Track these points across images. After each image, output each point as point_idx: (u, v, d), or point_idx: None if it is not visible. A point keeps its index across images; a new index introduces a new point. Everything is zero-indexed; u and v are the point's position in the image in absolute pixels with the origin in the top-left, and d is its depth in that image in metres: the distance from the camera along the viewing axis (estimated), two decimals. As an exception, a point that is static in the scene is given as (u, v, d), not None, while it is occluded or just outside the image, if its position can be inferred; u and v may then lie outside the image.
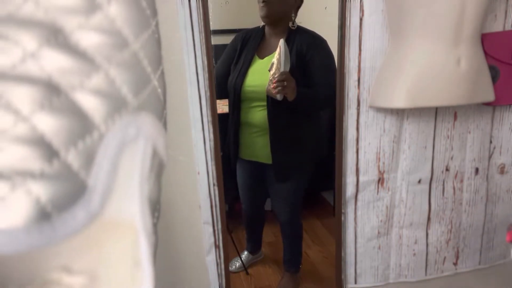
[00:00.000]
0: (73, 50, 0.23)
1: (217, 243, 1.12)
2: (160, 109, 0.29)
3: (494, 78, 1.07)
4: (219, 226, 1.10)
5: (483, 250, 1.28)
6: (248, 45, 1.48)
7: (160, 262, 1.11)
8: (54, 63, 0.22)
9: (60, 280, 0.29)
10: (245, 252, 1.81)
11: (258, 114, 1.46)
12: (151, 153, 0.26)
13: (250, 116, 1.48)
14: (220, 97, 1.46)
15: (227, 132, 1.55)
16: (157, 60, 0.28)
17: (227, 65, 1.50)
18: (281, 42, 1.32)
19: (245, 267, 1.74)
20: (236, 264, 1.75)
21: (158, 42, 0.29)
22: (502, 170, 1.21)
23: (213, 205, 1.08)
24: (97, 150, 0.23)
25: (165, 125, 0.30)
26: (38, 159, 0.21)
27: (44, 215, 0.21)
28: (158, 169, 0.29)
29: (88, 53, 0.23)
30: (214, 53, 1.02)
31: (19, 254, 0.28)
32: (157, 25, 0.28)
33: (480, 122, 1.16)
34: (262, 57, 1.45)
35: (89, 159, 0.23)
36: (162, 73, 0.29)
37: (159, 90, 0.29)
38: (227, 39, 1.56)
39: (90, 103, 0.23)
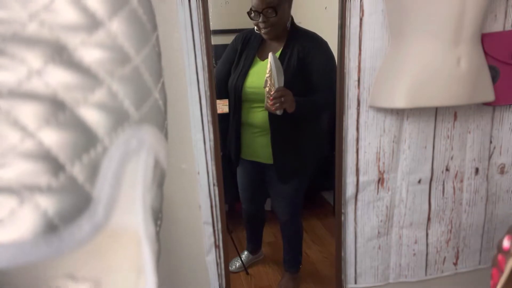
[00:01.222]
0: (77, 66, 0.23)
1: (217, 243, 1.12)
2: (161, 121, 0.29)
3: (494, 78, 1.07)
4: (219, 226, 1.10)
5: (483, 250, 1.28)
6: (249, 46, 1.48)
7: (160, 262, 1.11)
8: (58, 79, 0.23)
9: (65, 287, 0.30)
10: (245, 252, 1.81)
11: (259, 115, 1.46)
12: (153, 163, 0.27)
13: (251, 116, 1.48)
14: (220, 97, 1.46)
15: (228, 132, 1.55)
16: (158, 73, 0.29)
17: (227, 66, 1.50)
18: (270, 56, 1.31)
19: (245, 267, 1.74)
20: (236, 264, 1.75)
21: (158, 56, 0.29)
22: (502, 170, 1.21)
23: (213, 205, 1.08)
24: (101, 162, 0.24)
25: (166, 135, 0.31)
26: (45, 174, 0.21)
27: (51, 227, 0.21)
28: (160, 179, 0.30)
29: (92, 68, 0.24)
30: (214, 53, 1.02)
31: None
32: (157, 39, 0.29)
33: (480, 122, 1.16)
34: (262, 59, 1.45)
35: (93, 171, 0.23)
36: (163, 85, 0.30)
37: (160, 102, 0.29)
38: (227, 39, 1.56)
39: (94, 117, 0.24)
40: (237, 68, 1.47)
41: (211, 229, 1.10)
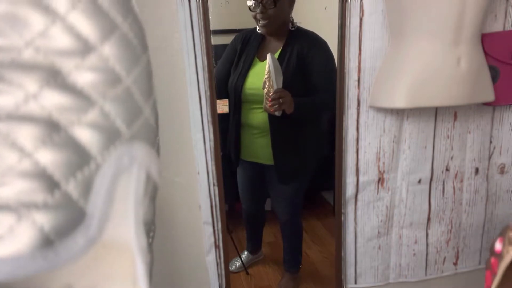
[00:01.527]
0: (71, 89, 0.25)
1: (217, 243, 1.12)
2: (152, 137, 0.31)
3: (494, 78, 1.07)
4: (219, 226, 1.10)
5: (483, 250, 1.28)
6: (248, 46, 1.47)
7: (160, 262, 1.11)
8: (53, 102, 0.24)
9: None
10: (245, 252, 1.81)
11: (258, 116, 1.46)
12: (145, 179, 0.28)
13: (250, 117, 1.48)
14: (220, 97, 1.46)
15: (228, 133, 1.55)
16: (149, 92, 0.30)
17: (227, 66, 1.50)
18: (269, 57, 1.31)
19: (245, 267, 1.74)
20: (236, 264, 1.75)
21: (149, 75, 0.30)
22: (502, 170, 1.21)
23: (213, 205, 1.08)
24: (94, 179, 0.25)
25: (158, 150, 0.32)
26: (41, 191, 0.22)
27: (47, 242, 0.22)
28: (152, 193, 0.31)
29: (85, 90, 0.25)
30: (214, 53, 1.02)
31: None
32: (148, 59, 0.30)
33: (480, 122, 1.16)
34: (262, 60, 1.44)
35: (87, 188, 0.25)
36: (154, 103, 0.31)
37: (151, 119, 0.30)
38: (227, 39, 1.56)
39: (87, 137, 0.25)
40: (237, 68, 1.47)
41: (211, 229, 1.10)
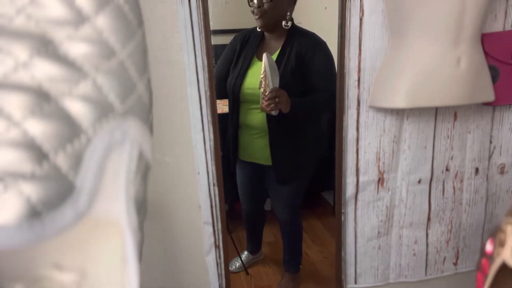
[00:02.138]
0: (62, 60, 0.24)
1: (217, 243, 1.12)
2: (145, 114, 0.30)
3: (494, 78, 1.07)
4: (219, 226, 1.10)
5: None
6: (247, 46, 1.47)
7: (160, 262, 1.11)
8: (44, 72, 0.23)
9: (51, 276, 0.31)
10: (245, 252, 1.81)
11: (257, 116, 1.46)
12: (137, 156, 0.28)
13: (249, 117, 1.48)
14: (220, 97, 1.46)
15: (227, 133, 1.55)
16: (143, 68, 0.30)
17: (226, 66, 1.50)
18: (264, 57, 1.31)
19: (245, 267, 1.74)
20: (236, 264, 1.75)
21: (144, 51, 0.30)
22: (502, 170, 1.21)
23: (213, 205, 1.08)
24: (84, 153, 0.25)
25: (151, 129, 0.31)
26: (29, 162, 0.22)
27: (34, 213, 0.22)
28: (144, 171, 0.30)
29: (77, 62, 0.25)
30: (214, 53, 1.02)
31: (11, 250, 0.30)
32: (143, 34, 0.30)
33: (480, 122, 1.16)
34: (261, 59, 1.44)
35: (77, 161, 0.24)
36: (149, 81, 0.31)
37: (145, 96, 0.30)
38: (227, 39, 1.56)
39: (78, 109, 0.24)
40: (236, 68, 1.47)
41: (211, 229, 1.10)
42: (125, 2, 0.27)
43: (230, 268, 1.26)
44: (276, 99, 1.30)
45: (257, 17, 1.38)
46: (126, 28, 0.27)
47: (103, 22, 0.26)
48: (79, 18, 0.25)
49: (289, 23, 1.38)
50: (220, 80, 1.48)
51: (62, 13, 0.24)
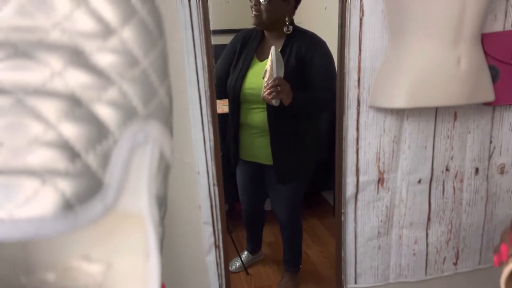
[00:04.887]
0: (92, 69, 0.27)
1: (217, 243, 1.12)
2: (166, 117, 0.33)
3: (494, 78, 1.07)
4: (219, 226, 1.10)
5: (483, 250, 1.28)
6: (248, 46, 1.48)
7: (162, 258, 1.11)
8: (76, 80, 0.26)
9: (80, 267, 0.35)
10: (245, 252, 1.81)
11: (257, 116, 1.46)
12: (158, 156, 0.31)
13: (249, 117, 1.48)
14: (220, 97, 1.46)
15: (227, 133, 1.55)
16: (164, 75, 0.33)
17: (226, 66, 1.50)
18: (272, 49, 1.32)
19: (245, 267, 1.74)
20: (236, 264, 1.75)
21: (165, 59, 0.33)
22: (502, 170, 1.21)
23: (213, 205, 1.08)
24: (112, 152, 0.27)
25: (171, 131, 0.34)
26: (63, 160, 0.25)
27: (68, 206, 0.25)
28: (165, 170, 0.33)
29: (105, 71, 0.28)
30: (214, 53, 1.02)
31: (45, 241, 0.35)
32: (164, 43, 0.33)
33: (480, 122, 1.16)
34: (261, 60, 1.45)
35: (105, 160, 0.27)
36: (169, 86, 0.34)
37: (165, 100, 0.33)
38: (227, 39, 1.56)
39: (106, 113, 0.27)
40: (236, 68, 1.47)
41: (211, 229, 1.10)
42: (148, 14, 0.30)
43: (230, 268, 1.26)
44: (278, 87, 1.29)
45: (252, 14, 1.38)
46: (149, 38, 0.30)
47: (128, 34, 0.29)
48: (107, 31, 0.28)
49: (290, 28, 1.38)
50: (220, 80, 1.48)
51: (92, 27, 0.27)
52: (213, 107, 1.01)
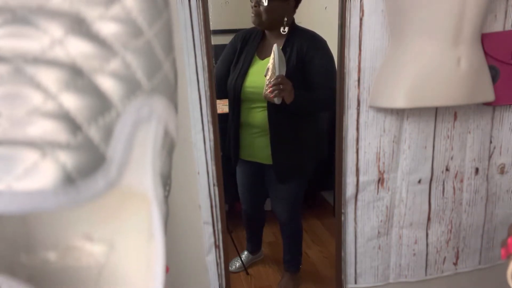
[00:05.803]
0: (94, 38, 0.26)
1: (217, 243, 1.12)
2: (171, 93, 0.32)
3: (494, 78, 1.07)
4: (219, 226, 1.10)
5: (483, 250, 1.28)
6: (248, 45, 1.48)
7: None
8: (78, 49, 0.25)
9: (82, 247, 0.34)
10: (245, 252, 1.81)
11: (258, 115, 1.45)
12: (163, 132, 0.30)
13: (250, 116, 1.48)
14: (220, 97, 1.46)
15: (227, 132, 1.55)
16: (169, 48, 0.31)
17: (226, 65, 1.50)
18: (275, 47, 1.33)
19: (245, 267, 1.74)
20: (236, 264, 1.75)
21: (170, 32, 0.32)
22: (502, 170, 1.21)
23: (213, 205, 1.08)
24: (115, 126, 0.26)
25: (176, 107, 0.33)
26: (64, 132, 0.24)
27: (69, 180, 0.24)
28: (170, 147, 0.32)
29: (107, 40, 0.26)
30: (214, 53, 1.02)
31: (48, 219, 0.34)
32: (169, 15, 0.31)
33: (480, 122, 1.16)
34: (262, 58, 1.45)
35: (108, 134, 0.26)
36: (174, 60, 0.32)
37: (171, 75, 0.32)
38: (227, 39, 1.56)
39: (109, 85, 0.26)
40: (236, 67, 1.47)
41: (211, 229, 1.10)
42: None
43: (230, 268, 1.26)
44: (281, 85, 1.30)
45: (253, 15, 1.39)
46: (153, 8, 0.29)
47: (131, 2, 0.27)
48: None
49: (286, 29, 1.39)
50: (221, 80, 1.48)
51: None
52: (213, 107, 1.01)
